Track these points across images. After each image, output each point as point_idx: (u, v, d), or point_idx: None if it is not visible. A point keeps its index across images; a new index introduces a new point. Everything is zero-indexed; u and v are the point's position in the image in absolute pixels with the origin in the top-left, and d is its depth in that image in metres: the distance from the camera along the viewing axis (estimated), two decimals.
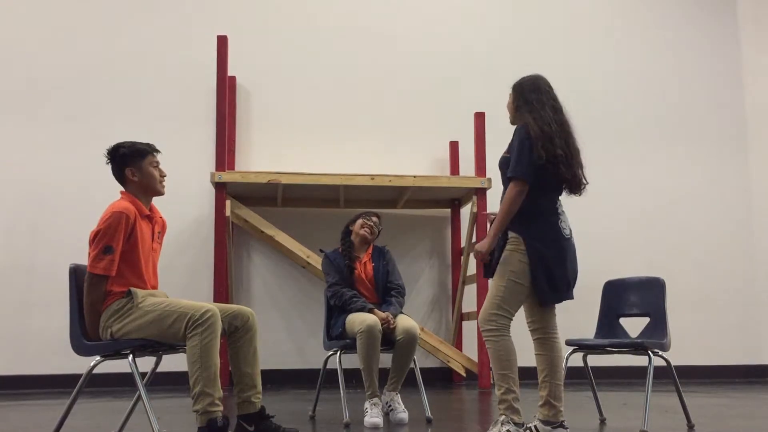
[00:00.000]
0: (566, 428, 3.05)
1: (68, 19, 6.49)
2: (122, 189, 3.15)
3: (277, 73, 6.73)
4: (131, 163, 3.11)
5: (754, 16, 7.57)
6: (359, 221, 4.19)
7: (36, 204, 6.17)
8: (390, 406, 3.82)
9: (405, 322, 3.84)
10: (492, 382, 6.06)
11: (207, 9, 6.73)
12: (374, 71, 6.88)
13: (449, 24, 7.12)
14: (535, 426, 3.02)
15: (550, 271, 3.02)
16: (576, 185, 3.12)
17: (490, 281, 3.10)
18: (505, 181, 3.09)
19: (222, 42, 6.13)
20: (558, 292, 3.06)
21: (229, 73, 6.21)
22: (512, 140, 3.08)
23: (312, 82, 6.76)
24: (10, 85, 6.31)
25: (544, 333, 3.13)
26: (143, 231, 3.06)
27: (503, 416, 2.96)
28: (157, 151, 3.22)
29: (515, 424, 2.94)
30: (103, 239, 2.93)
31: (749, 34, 7.56)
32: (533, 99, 3.13)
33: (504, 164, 3.11)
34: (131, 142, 3.17)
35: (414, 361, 3.88)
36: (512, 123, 3.27)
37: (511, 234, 3.06)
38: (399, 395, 3.86)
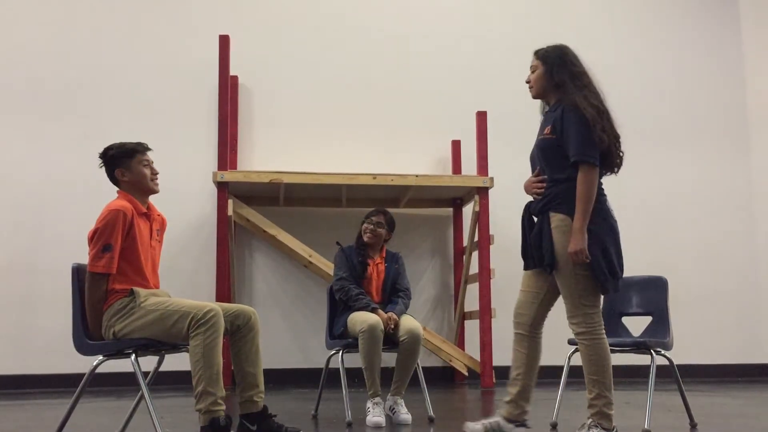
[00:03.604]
0: (528, 428, 3.00)
1: (69, 19, 6.49)
2: (118, 189, 3.16)
3: (279, 73, 6.73)
4: (120, 163, 3.11)
5: (756, 15, 7.56)
6: (363, 225, 4.20)
7: (38, 203, 6.18)
8: (393, 409, 3.81)
9: (409, 323, 3.83)
10: (494, 381, 6.06)
11: (209, 8, 6.73)
12: (376, 70, 6.88)
13: (451, 23, 7.11)
14: (498, 422, 2.95)
15: (610, 256, 2.85)
16: (620, 165, 2.98)
17: (560, 279, 2.89)
18: (553, 163, 2.90)
19: (224, 41, 6.13)
20: (617, 278, 2.87)
21: (231, 73, 6.21)
22: (560, 121, 2.88)
23: (314, 81, 6.76)
24: (12, 84, 6.31)
25: (530, 331, 3.02)
26: (141, 229, 3.06)
27: (590, 420, 2.84)
28: (148, 149, 3.21)
29: (604, 429, 2.81)
30: (101, 237, 2.93)
31: (751, 33, 7.54)
32: (577, 73, 2.96)
33: (548, 146, 2.91)
34: (121, 142, 3.16)
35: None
36: (542, 98, 3.08)
37: (559, 216, 2.86)
38: (402, 399, 3.84)
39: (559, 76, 2.97)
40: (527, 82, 3.13)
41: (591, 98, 2.91)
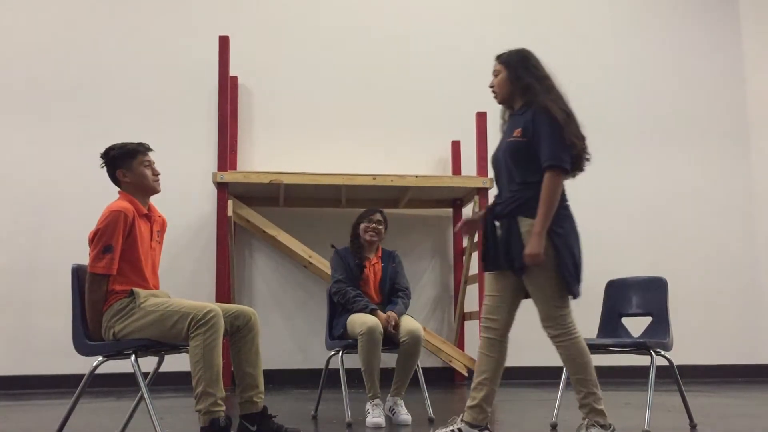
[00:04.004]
0: (490, 431, 2.98)
1: (69, 19, 6.50)
2: (119, 189, 3.16)
3: (279, 73, 6.73)
4: (121, 164, 3.11)
5: (756, 15, 7.56)
6: (362, 225, 4.17)
7: (38, 204, 6.18)
8: (393, 410, 3.81)
9: (409, 324, 3.83)
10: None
11: (209, 9, 6.74)
12: (376, 71, 6.88)
13: (451, 23, 7.11)
14: (459, 429, 2.94)
15: (577, 261, 2.86)
16: (583, 169, 2.98)
17: (532, 284, 2.87)
18: (523, 166, 2.88)
19: (224, 42, 6.13)
20: (580, 282, 2.88)
21: (231, 73, 6.22)
22: (531, 124, 2.86)
23: (314, 82, 6.76)
24: (12, 85, 6.31)
25: (499, 335, 2.97)
26: (142, 230, 3.07)
27: (586, 420, 2.85)
28: (149, 149, 3.21)
29: (601, 426, 2.82)
30: (102, 238, 2.93)
31: (751, 32, 7.55)
32: (541, 76, 2.96)
33: (519, 148, 2.89)
34: (122, 143, 3.17)
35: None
36: (507, 102, 3.07)
37: (530, 221, 2.84)
38: (402, 400, 3.84)
39: (525, 79, 2.97)
40: (491, 87, 3.12)
41: (559, 101, 2.92)
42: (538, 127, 2.86)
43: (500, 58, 3.08)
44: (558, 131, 2.83)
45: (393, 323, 3.80)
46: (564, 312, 2.87)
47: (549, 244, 2.82)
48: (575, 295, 2.89)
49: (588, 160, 2.97)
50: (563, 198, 2.92)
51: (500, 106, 3.16)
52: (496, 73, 3.08)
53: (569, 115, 2.90)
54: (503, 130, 3.12)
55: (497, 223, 3.02)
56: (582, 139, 2.92)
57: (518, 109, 3.02)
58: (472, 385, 2.99)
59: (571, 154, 2.86)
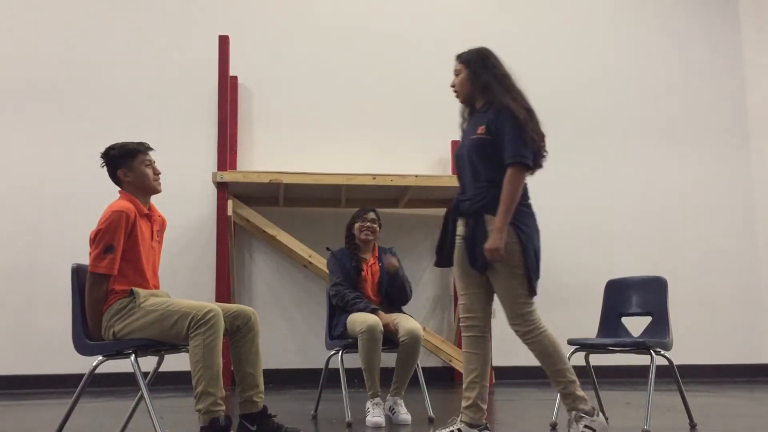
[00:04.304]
0: (489, 430, 2.99)
1: (69, 19, 6.49)
2: (120, 189, 3.16)
3: (279, 73, 6.73)
4: (122, 164, 3.11)
5: (756, 14, 7.56)
6: (357, 225, 4.17)
7: (38, 204, 6.18)
8: (393, 409, 3.81)
9: (409, 323, 3.83)
10: (494, 381, 6.06)
11: (209, 9, 6.73)
12: (376, 71, 6.88)
13: (450, 23, 7.10)
14: (459, 429, 2.94)
15: (538, 257, 2.92)
16: (541, 166, 3.02)
17: (498, 282, 2.91)
18: (489, 163, 2.91)
19: (224, 42, 6.13)
20: (538, 279, 2.93)
21: (231, 73, 6.22)
22: (496, 122, 2.90)
23: (314, 81, 6.76)
24: (11, 85, 6.31)
25: (481, 332, 2.99)
26: (143, 230, 3.07)
27: (575, 412, 2.85)
28: (150, 149, 3.21)
29: (586, 413, 2.84)
30: (104, 238, 2.93)
31: (751, 32, 7.55)
32: (500, 75, 3.00)
33: (484, 145, 2.92)
34: (122, 142, 3.16)
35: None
36: (468, 101, 3.10)
37: (495, 219, 2.86)
38: (402, 399, 3.84)
39: (484, 78, 3.00)
40: (452, 86, 3.16)
41: (519, 99, 2.96)
42: (501, 126, 2.90)
43: (460, 58, 3.12)
44: (520, 129, 2.88)
45: (395, 324, 3.80)
46: (531, 308, 2.90)
47: (516, 241, 2.86)
48: (534, 294, 2.93)
49: (545, 157, 3.01)
50: (526, 195, 2.97)
51: (460, 105, 3.20)
52: (456, 73, 3.12)
53: (530, 113, 2.95)
54: (463, 129, 3.17)
55: (459, 222, 3.06)
56: (542, 136, 2.96)
57: (480, 108, 3.06)
58: (464, 386, 3.00)
59: (532, 151, 2.90)
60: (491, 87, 2.98)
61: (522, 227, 2.88)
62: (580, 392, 2.88)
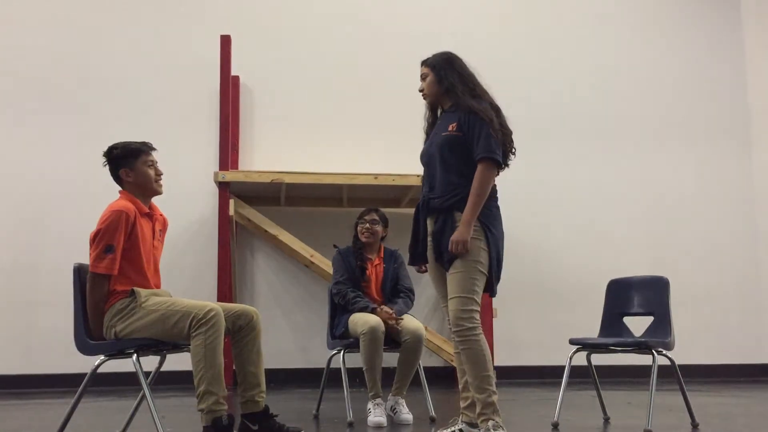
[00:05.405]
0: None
1: (70, 19, 6.50)
2: (120, 188, 3.16)
3: (281, 73, 6.73)
4: (125, 163, 3.11)
5: (757, 14, 7.55)
6: (359, 226, 4.21)
7: (40, 203, 6.18)
8: (394, 409, 3.81)
9: (411, 323, 3.83)
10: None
11: (210, 8, 6.74)
12: (378, 70, 6.87)
13: (451, 23, 7.10)
14: (461, 429, 2.95)
15: (500, 260, 2.96)
16: (508, 164, 3.07)
17: (456, 277, 2.90)
18: (459, 160, 2.96)
19: (225, 41, 6.13)
20: (499, 280, 2.98)
21: (233, 73, 6.21)
22: (467, 121, 2.95)
23: (315, 81, 6.76)
24: (12, 84, 6.32)
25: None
26: (143, 229, 3.07)
27: (492, 421, 2.82)
28: (153, 149, 3.21)
29: (500, 426, 2.83)
30: (103, 238, 2.93)
31: (752, 31, 7.54)
32: (465, 76, 3.07)
33: (455, 143, 2.97)
34: (125, 142, 3.17)
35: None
36: (436, 104, 3.17)
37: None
38: (403, 399, 3.85)
39: (449, 80, 3.06)
40: (420, 91, 3.21)
41: (485, 96, 3.02)
42: (471, 125, 2.96)
43: (426, 62, 3.19)
44: (487, 126, 2.92)
45: (394, 318, 3.80)
46: (478, 308, 2.91)
47: (483, 239, 2.89)
48: (494, 294, 2.98)
49: (513, 154, 3.07)
50: (494, 195, 3.00)
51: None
52: (423, 77, 3.18)
53: (496, 110, 3.01)
54: (427, 131, 3.23)
55: (428, 220, 3.09)
56: (509, 133, 3.01)
57: (449, 108, 3.12)
58: (461, 386, 3.01)
59: (501, 148, 2.95)
60: (455, 88, 3.04)
61: (492, 229, 2.92)
62: (495, 399, 2.86)
